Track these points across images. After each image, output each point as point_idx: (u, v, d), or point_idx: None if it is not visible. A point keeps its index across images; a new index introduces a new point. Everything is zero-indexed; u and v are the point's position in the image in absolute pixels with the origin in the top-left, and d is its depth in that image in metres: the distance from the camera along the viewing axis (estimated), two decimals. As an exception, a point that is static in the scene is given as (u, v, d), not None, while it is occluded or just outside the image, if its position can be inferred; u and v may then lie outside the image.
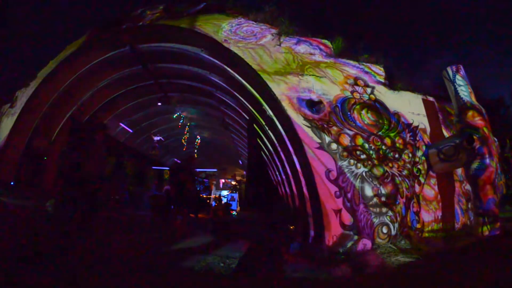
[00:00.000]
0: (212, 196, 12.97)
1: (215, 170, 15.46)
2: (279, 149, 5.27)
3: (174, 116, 10.95)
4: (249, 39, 5.72)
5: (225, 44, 5.60)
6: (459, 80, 5.50)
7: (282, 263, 3.99)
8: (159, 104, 9.65)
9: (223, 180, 16.64)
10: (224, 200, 11.83)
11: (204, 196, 11.49)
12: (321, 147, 4.44)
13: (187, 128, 12.10)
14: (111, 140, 10.14)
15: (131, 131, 10.84)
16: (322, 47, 5.49)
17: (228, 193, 13.96)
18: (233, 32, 5.84)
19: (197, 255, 4.10)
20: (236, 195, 12.69)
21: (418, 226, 5.21)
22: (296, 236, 5.12)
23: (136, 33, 6.86)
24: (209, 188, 12.76)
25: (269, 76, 5.01)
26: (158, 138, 11.83)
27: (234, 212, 10.51)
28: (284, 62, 5.21)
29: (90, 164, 4.27)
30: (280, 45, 5.58)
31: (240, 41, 5.67)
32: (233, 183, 16.18)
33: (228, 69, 5.86)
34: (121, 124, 10.37)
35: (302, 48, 5.47)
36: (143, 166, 11.89)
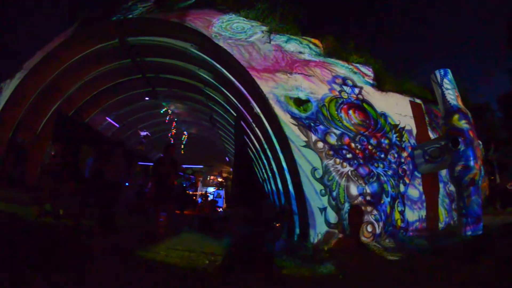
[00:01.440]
0: (199, 192, 12.86)
1: (201, 166, 15.29)
2: (265, 146, 5.25)
3: (162, 111, 10.78)
4: (239, 36, 5.67)
5: (215, 40, 5.54)
6: (447, 84, 5.58)
7: (267, 260, 3.97)
8: (147, 98, 9.45)
9: (209, 177, 16.55)
10: (211, 197, 11.78)
11: (190, 192, 11.39)
12: (307, 145, 4.44)
13: (174, 124, 11.96)
14: (96, 135, 9.95)
15: (117, 125, 10.62)
16: (311, 46, 5.49)
17: (214, 189, 13.86)
18: (224, 28, 5.78)
19: (181, 252, 4.04)
20: (222, 192, 12.64)
21: (403, 225, 5.28)
22: (281, 234, 5.11)
23: (125, 25, 6.72)
24: (196, 185, 12.64)
25: (258, 73, 4.98)
26: (145, 133, 11.64)
27: (220, 209, 10.46)
28: (273, 59, 5.18)
29: (110, 173, 4.92)
30: (270, 42, 5.55)
31: (230, 37, 5.61)
32: (220, 179, 16.07)
33: (217, 65, 5.80)
34: (107, 118, 10.15)
35: (292, 47, 5.45)
36: (129, 161, 11.71)
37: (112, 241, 4.33)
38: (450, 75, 5.62)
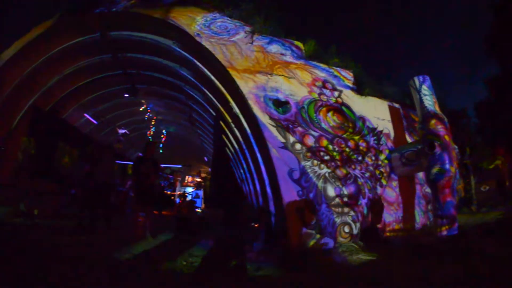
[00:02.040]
0: (177, 192, 12.69)
1: (180, 166, 15.07)
2: (244, 147, 5.23)
3: (141, 109, 10.56)
4: (221, 35, 5.62)
5: (197, 38, 5.47)
6: (425, 90, 5.71)
7: (245, 261, 3.95)
8: (126, 95, 9.23)
9: (188, 177, 16.34)
10: (189, 197, 11.66)
11: (169, 192, 11.19)
12: (285, 146, 4.45)
13: (153, 122, 11.74)
14: (74, 131, 9.63)
15: (95, 122, 10.30)
16: (294, 48, 5.51)
17: (193, 190, 13.74)
18: (207, 26, 5.71)
19: (159, 254, 3.97)
20: (201, 192, 12.55)
21: (380, 226, 5.38)
22: (259, 234, 5.11)
23: (108, 19, 6.53)
24: (174, 185, 12.45)
25: (238, 73, 4.95)
26: (123, 131, 11.34)
27: (198, 210, 10.36)
28: (254, 60, 5.17)
29: (100, 175, 5.17)
30: (252, 43, 5.53)
31: (212, 36, 5.55)
32: (198, 180, 15.96)
33: (198, 63, 5.73)
34: (85, 114, 9.83)
35: (274, 48, 5.45)
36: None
37: (89, 242, 4.22)
38: (428, 82, 5.77)
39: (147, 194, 4.93)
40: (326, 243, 4.60)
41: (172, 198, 11.28)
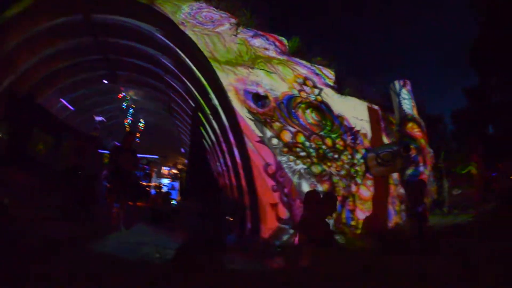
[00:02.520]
0: (152, 184, 12.49)
1: (156, 157, 14.77)
2: (221, 139, 5.20)
3: (120, 97, 10.25)
4: (206, 25, 5.53)
5: (181, 27, 5.35)
6: (404, 94, 5.86)
7: (218, 254, 3.93)
8: (105, 82, 8.94)
9: (164, 168, 16.09)
10: (165, 189, 11.51)
11: (144, 183, 11.01)
12: (262, 141, 4.45)
13: (131, 111, 11.43)
14: (49, 117, 9.23)
15: (72, 108, 9.88)
16: (277, 43, 5.49)
17: (168, 181, 13.60)
18: (192, 15, 5.59)
19: (132, 245, 3.88)
20: (176, 184, 12.41)
21: (353, 223, 5.50)
22: (233, 228, 5.11)
23: (93, 0, 6.28)
24: (150, 176, 12.23)
25: (220, 65, 4.89)
26: (100, 118, 10.97)
27: (174, 201, 10.25)
28: (237, 53, 5.12)
29: (88, 166, 5.34)
30: (236, 35, 5.47)
31: (197, 25, 5.45)
32: (174, 171, 15.66)
33: (180, 53, 5.62)
34: (62, 100, 9.41)
35: (258, 42, 5.42)
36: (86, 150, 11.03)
37: (63, 231, 4.09)
38: (408, 86, 5.93)
39: (124, 185, 4.81)
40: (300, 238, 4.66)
41: (148, 189, 11.07)
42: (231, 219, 5.11)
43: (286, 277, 3.00)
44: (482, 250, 3.47)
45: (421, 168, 5.37)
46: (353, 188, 5.48)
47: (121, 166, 4.70)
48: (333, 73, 5.67)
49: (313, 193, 3.89)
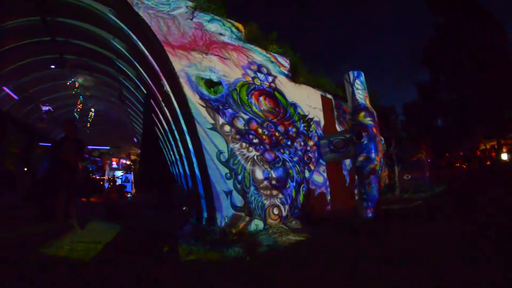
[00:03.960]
0: (106, 177, 11.91)
1: (108, 148, 14.02)
2: (173, 127, 5.07)
3: (68, 83, 9.46)
4: (161, 7, 5.24)
5: (135, 8, 5.01)
6: (358, 84, 6.09)
7: (176, 246, 3.86)
8: (52, 67, 8.17)
9: (117, 159, 15.39)
10: (119, 182, 11.04)
11: (97, 177, 10.43)
12: (214, 128, 4.41)
13: (81, 99, 10.67)
14: None
15: (16, 97, 8.94)
16: (234, 29, 5.42)
17: (122, 173, 13.08)
18: (147, -4, 5.28)
19: (86, 243, 3.69)
20: (130, 176, 11.97)
21: (308, 208, 5.73)
22: (189, 218, 5.07)
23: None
24: (103, 168, 11.61)
25: (173, 49, 4.70)
26: (47, 108, 10.05)
27: (129, 194, 9.87)
28: (191, 37, 4.96)
29: (71, 158, 4.69)
30: (192, 19, 5.29)
31: (152, 7, 5.14)
32: (128, 162, 15.09)
33: (133, 35, 5.30)
34: (5, 88, 8.45)
35: (214, 27, 5.30)
36: (29, 141, 9.94)
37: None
38: (362, 77, 6.18)
39: (70, 179, 4.49)
40: (256, 225, 4.75)
41: (101, 183, 10.48)
42: (186, 209, 5.05)
43: (243, 264, 3.02)
44: (424, 231, 3.79)
45: (373, 155, 5.67)
46: (307, 174, 5.70)
47: (64, 157, 4.38)
48: (288, 61, 5.75)
49: None
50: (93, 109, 12.20)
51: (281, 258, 3.27)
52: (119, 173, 13.00)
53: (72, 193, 4.71)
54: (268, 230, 4.64)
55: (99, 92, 10.52)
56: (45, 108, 9.87)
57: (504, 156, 19.10)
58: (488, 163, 17.99)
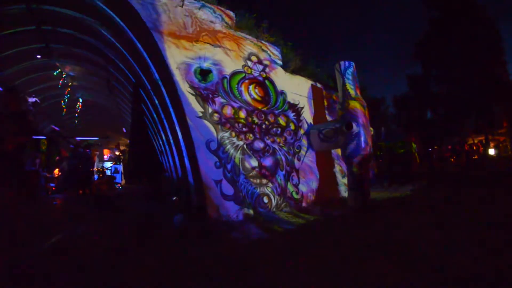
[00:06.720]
0: (95, 168, 11.81)
1: (97, 138, 13.80)
2: (162, 116, 5.05)
3: (55, 74, 9.29)
4: (151, -7, 5.15)
5: (124, -7, 4.91)
6: (349, 74, 6.10)
7: (166, 235, 3.89)
8: (38, 57, 7.98)
9: (109, 151, 15.21)
10: (108, 173, 10.98)
11: (90, 169, 10.29)
12: (203, 116, 4.42)
13: (68, 89, 10.47)
14: None
15: (0, 89, 8.72)
16: (225, 17, 5.36)
17: (112, 164, 13.01)
18: (136, -19, 5.14)
19: (85, 238, 3.73)
20: (120, 167, 11.90)
21: (298, 197, 5.82)
22: (179, 208, 5.10)
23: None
24: (92, 160, 11.48)
25: (162, 37, 4.64)
26: (33, 99, 9.77)
27: (119, 186, 9.83)
28: (182, 25, 4.89)
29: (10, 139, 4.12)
30: (182, 6, 5.21)
31: (141, -8, 5.04)
32: (117, 153, 15.00)
33: (122, 23, 5.19)
34: (-12, 80, 8.24)
35: (204, 14, 5.23)
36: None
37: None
38: (353, 68, 6.19)
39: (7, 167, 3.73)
40: (246, 213, 4.81)
41: (90, 175, 10.38)
42: (176, 199, 5.08)
43: (234, 253, 3.06)
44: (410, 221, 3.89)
45: (362, 145, 5.75)
46: (296, 163, 5.78)
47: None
48: (279, 50, 5.74)
49: None
50: (81, 99, 11.96)
51: (271, 245, 3.30)
52: (108, 164, 12.84)
53: (49, 186, 4.39)
54: (258, 219, 4.70)
55: (87, 82, 10.30)
56: (31, 100, 9.60)
57: (491, 151, 19.64)
58: (476, 157, 18.45)
